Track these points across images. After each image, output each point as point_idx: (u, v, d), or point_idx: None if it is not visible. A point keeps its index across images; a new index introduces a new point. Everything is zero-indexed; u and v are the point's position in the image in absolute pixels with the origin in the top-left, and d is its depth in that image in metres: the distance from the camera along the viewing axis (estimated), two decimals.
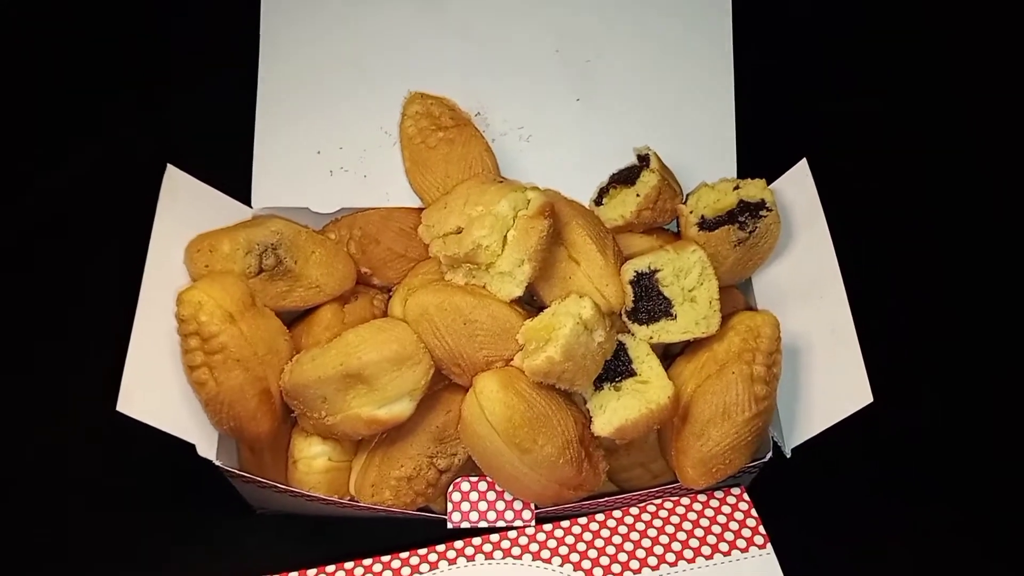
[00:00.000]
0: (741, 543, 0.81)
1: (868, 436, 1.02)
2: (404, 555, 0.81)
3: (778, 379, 0.86)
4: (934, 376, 1.09)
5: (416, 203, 0.99)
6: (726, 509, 0.83)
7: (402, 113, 0.99)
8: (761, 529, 0.81)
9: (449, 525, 0.86)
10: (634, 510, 0.83)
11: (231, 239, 0.90)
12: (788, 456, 0.87)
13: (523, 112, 1.02)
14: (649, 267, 0.87)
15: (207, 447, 0.85)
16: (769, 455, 0.87)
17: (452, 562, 0.80)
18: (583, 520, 0.83)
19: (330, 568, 0.79)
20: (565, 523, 0.83)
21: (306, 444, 0.89)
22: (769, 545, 0.80)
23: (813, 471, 0.93)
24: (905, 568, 0.97)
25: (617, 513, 0.83)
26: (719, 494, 0.85)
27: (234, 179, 0.99)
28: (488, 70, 1.02)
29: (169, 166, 0.92)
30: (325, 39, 1.01)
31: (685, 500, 0.84)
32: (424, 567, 0.80)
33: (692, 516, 0.83)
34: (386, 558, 0.81)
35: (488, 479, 0.86)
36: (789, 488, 0.93)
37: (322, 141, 1.01)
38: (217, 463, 0.85)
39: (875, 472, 1.03)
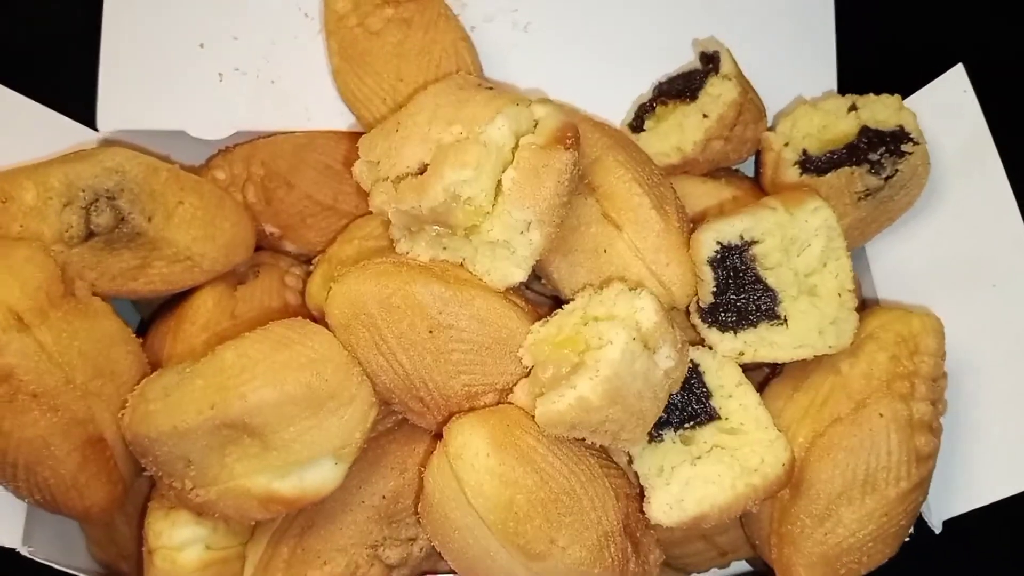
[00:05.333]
0: None
1: None
2: None
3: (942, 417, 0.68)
4: None
5: (350, 124, 0.83)
6: None
7: None
8: None
9: None
10: None
11: (39, 183, 0.69)
12: (937, 532, 0.71)
13: None
14: (741, 236, 0.67)
15: (9, 530, 0.70)
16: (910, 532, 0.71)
17: None
18: None
19: None
20: None
21: (167, 525, 0.69)
22: None
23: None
24: None
25: None
26: None
27: (74, 93, 0.84)
28: None
29: None
30: None
31: None
32: None
33: None
34: None
35: None
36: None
37: (205, 28, 0.84)
38: (26, 552, 0.70)
39: None
